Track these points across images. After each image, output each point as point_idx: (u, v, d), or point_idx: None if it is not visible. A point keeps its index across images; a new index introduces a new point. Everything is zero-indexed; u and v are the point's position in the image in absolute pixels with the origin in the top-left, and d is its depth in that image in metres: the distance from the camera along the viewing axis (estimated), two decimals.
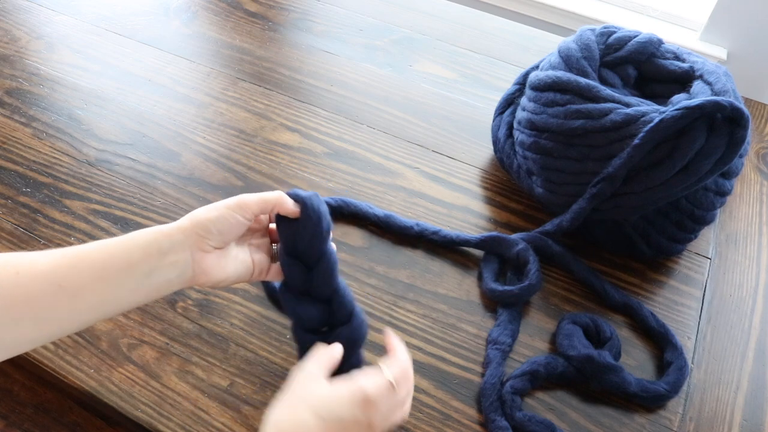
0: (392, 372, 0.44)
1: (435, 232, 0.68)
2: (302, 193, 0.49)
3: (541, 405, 0.57)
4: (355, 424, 0.41)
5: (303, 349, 0.50)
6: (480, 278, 0.66)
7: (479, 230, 0.71)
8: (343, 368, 0.48)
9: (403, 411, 0.46)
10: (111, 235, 0.67)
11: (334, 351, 0.47)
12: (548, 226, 0.68)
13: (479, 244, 0.67)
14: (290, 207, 0.48)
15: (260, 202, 0.47)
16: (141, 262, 0.42)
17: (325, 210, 0.49)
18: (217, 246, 0.46)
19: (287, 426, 0.40)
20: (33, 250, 0.65)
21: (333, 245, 0.51)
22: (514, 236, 0.68)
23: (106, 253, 0.41)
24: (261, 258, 0.51)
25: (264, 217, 0.52)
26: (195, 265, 0.45)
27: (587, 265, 0.67)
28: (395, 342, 0.49)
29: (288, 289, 0.50)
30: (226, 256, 0.47)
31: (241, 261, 0.49)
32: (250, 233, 0.51)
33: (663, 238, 0.67)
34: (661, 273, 0.69)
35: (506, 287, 0.63)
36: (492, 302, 0.64)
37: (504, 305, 0.63)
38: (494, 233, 0.67)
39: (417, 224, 0.69)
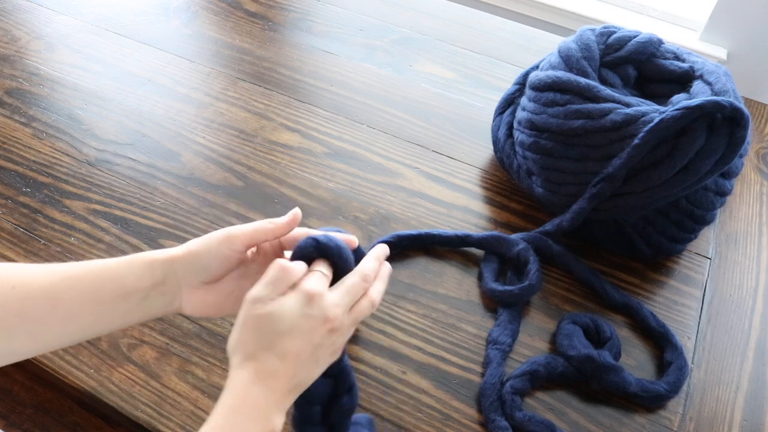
0: (324, 266, 0.44)
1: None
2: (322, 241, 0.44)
3: (541, 405, 0.57)
4: (310, 322, 0.41)
5: (304, 421, 0.46)
6: (480, 278, 0.66)
7: (479, 230, 0.71)
8: None
9: (371, 296, 0.45)
10: (111, 235, 0.67)
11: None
12: (548, 226, 0.68)
13: (480, 243, 0.67)
14: (282, 228, 0.45)
15: (251, 233, 0.44)
16: (134, 290, 0.42)
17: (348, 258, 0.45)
18: (206, 281, 0.45)
19: (242, 350, 0.40)
20: (33, 249, 0.65)
21: None
22: (515, 236, 0.68)
23: (101, 276, 0.42)
24: None
25: (269, 247, 0.48)
26: (183, 298, 0.44)
27: (587, 265, 0.67)
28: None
29: None
30: (216, 292, 0.45)
31: (236, 298, 0.46)
32: (257, 266, 0.48)
33: (663, 238, 0.67)
34: (661, 273, 0.69)
35: (506, 287, 0.63)
36: (492, 302, 0.64)
37: (504, 305, 0.63)
38: (495, 233, 0.67)
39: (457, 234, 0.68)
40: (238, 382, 0.39)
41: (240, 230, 0.44)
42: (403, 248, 0.68)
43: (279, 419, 0.40)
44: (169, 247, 0.44)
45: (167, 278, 0.43)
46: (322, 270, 0.43)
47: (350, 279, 0.44)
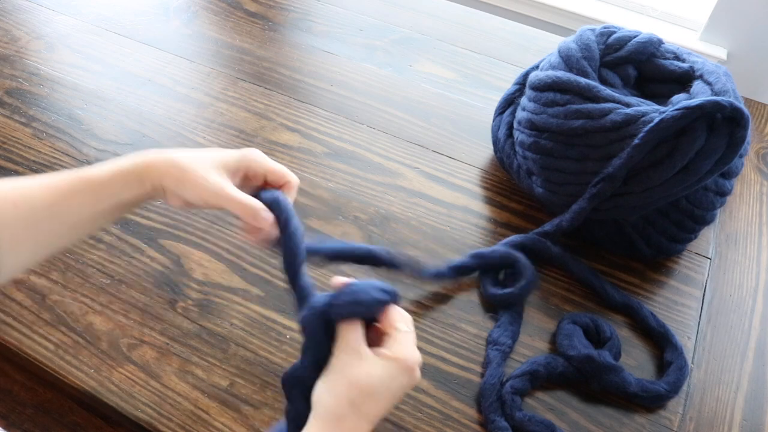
0: (404, 321, 0.44)
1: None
2: (274, 199, 0.46)
3: (541, 405, 0.57)
4: (402, 389, 0.42)
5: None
6: (480, 286, 0.66)
7: (479, 230, 0.71)
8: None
9: None
10: (111, 235, 0.67)
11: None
12: (547, 227, 0.68)
13: (467, 271, 0.66)
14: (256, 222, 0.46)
15: (240, 208, 0.46)
16: (129, 202, 0.46)
17: (291, 216, 0.46)
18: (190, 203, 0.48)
19: (340, 410, 0.40)
20: None
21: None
22: (500, 245, 0.67)
23: (100, 192, 0.44)
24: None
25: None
26: (168, 200, 0.47)
27: (587, 265, 0.67)
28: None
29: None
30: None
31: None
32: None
33: (663, 238, 0.67)
34: (661, 273, 0.69)
35: (506, 290, 0.63)
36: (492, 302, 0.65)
37: (505, 307, 0.63)
38: (474, 252, 0.66)
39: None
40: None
41: (233, 200, 0.45)
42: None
43: None
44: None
45: (155, 185, 0.46)
46: (409, 329, 0.44)
47: (410, 339, 0.44)
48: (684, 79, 0.68)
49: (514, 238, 0.68)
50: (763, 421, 0.58)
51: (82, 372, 0.56)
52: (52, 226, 0.43)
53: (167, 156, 0.46)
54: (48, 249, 0.45)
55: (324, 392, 0.41)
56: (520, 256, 0.65)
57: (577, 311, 0.64)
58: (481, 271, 0.67)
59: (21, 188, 0.42)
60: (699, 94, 0.63)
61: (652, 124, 0.58)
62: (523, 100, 0.73)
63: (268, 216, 0.46)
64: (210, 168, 0.46)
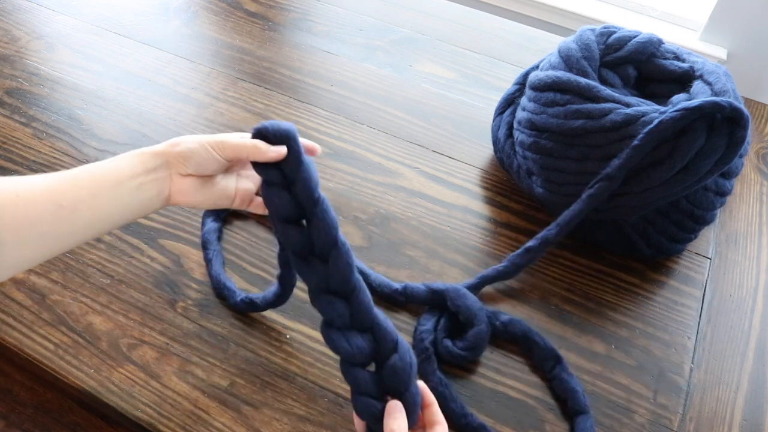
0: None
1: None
2: (283, 131, 0.47)
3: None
4: None
5: (355, 386, 0.47)
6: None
7: (479, 230, 0.71)
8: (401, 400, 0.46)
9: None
10: (111, 235, 0.67)
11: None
12: (538, 236, 0.66)
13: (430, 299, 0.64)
14: (267, 156, 0.47)
15: (238, 148, 0.48)
16: (129, 178, 0.46)
17: (302, 151, 0.48)
18: (196, 174, 0.48)
19: None
20: None
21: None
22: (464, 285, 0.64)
23: (98, 170, 0.45)
24: (246, 187, 0.52)
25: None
26: (173, 185, 0.48)
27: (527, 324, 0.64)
28: (427, 393, 0.49)
29: (328, 325, 0.48)
30: (206, 182, 0.49)
31: (222, 188, 0.51)
32: (240, 163, 0.53)
33: (663, 238, 0.67)
34: (661, 273, 0.69)
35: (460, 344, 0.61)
36: (491, 299, 0.64)
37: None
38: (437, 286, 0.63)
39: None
40: None
41: (231, 141, 0.49)
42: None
43: None
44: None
45: (158, 167, 0.47)
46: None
47: None
48: (684, 79, 0.68)
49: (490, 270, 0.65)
50: (763, 421, 0.58)
51: (82, 372, 0.56)
52: (54, 214, 0.42)
53: (162, 145, 0.49)
54: (53, 243, 0.44)
55: None
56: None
57: (577, 311, 0.64)
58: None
59: (25, 179, 0.43)
60: (699, 95, 0.62)
61: (651, 126, 0.58)
62: (523, 100, 0.73)
63: (277, 147, 0.47)
64: (209, 136, 0.49)
